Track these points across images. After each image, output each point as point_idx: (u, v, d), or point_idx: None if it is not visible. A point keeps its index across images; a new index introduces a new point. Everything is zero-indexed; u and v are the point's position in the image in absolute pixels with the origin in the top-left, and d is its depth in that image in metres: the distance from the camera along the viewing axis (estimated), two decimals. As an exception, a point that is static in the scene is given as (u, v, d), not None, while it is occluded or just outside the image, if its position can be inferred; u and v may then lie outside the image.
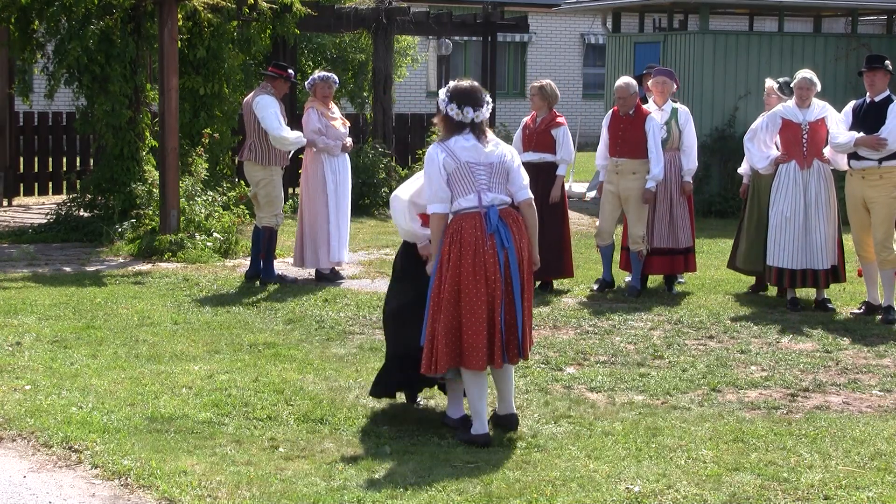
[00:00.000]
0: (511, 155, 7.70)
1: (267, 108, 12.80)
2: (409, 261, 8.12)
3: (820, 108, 11.88)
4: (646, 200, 12.52)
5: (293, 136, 12.96)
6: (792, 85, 11.99)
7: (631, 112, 12.53)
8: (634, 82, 12.82)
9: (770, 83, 12.85)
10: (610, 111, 12.87)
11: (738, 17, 27.76)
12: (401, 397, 8.43)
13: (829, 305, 12.01)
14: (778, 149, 12.06)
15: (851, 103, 11.85)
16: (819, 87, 11.89)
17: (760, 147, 12.11)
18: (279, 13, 17.67)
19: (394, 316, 8.17)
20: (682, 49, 20.85)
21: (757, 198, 12.56)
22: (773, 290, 12.59)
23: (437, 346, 7.48)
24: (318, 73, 13.38)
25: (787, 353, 10.13)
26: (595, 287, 12.86)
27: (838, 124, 11.67)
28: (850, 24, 22.45)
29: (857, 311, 11.79)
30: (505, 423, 7.76)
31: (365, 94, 24.42)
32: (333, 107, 13.43)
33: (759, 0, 22.10)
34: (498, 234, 7.48)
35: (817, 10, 23.09)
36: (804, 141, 11.82)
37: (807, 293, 12.34)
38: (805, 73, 11.95)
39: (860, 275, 12.16)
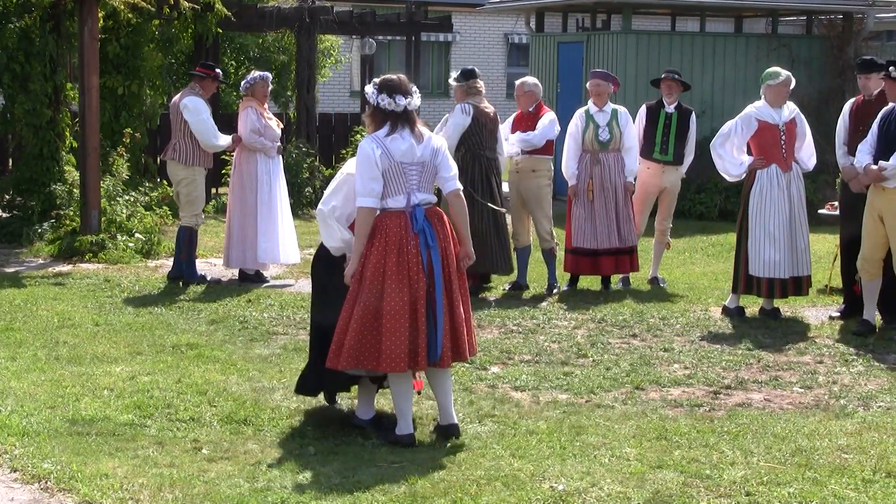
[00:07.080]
0: (441, 148, 7.59)
1: (199, 114, 12.69)
2: (328, 275, 7.86)
3: (791, 108, 11.41)
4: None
5: (225, 143, 12.92)
6: (769, 83, 11.28)
7: (531, 110, 12.74)
8: (531, 80, 12.94)
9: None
10: (515, 112, 13.01)
11: (661, 18, 27.91)
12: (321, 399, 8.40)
13: (780, 315, 11.58)
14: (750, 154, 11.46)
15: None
16: (793, 84, 11.41)
17: (733, 152, 11.46)
18: (200, 13, 17.55)
19: (318, 331, 7.92)
20: (605, 49, 20.96)
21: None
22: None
23: (346, 342, 7.33)
24: (256, 73, 13.23)
25: (710, 352, 10.20)
26: (507, 287, 12.86)
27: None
28: (771, 25, 22.68)
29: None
30: (445, 433, 7.63)
31: (288, 93, 24.35)
32: (267, 107, 13.36)
33: (681, 0, 22.27)
34: (423, 234, 7.41)
35: (738, 11, 23.29)
36: (783, 142, 11.31)
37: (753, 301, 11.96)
38: (781, 70, 11.40)
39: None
